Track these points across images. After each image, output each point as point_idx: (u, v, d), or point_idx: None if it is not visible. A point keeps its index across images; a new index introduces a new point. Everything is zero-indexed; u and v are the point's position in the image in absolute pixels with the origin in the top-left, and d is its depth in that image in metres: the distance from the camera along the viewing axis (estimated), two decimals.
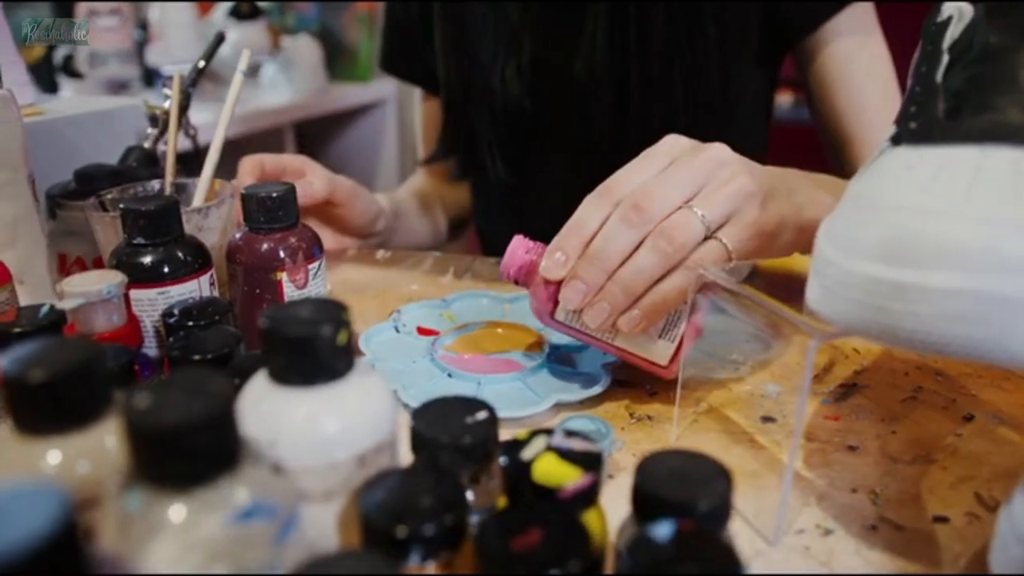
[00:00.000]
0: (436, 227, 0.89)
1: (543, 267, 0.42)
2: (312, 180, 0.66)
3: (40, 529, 0.18)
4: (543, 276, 0.42)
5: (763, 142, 0.79)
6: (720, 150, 0.42)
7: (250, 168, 0.66)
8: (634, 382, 0.48)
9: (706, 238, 0.40)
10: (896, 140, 0.33)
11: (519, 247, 0.45)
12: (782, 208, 0.44)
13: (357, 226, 0.72)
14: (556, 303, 0.43)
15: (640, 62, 0.68)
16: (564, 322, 0.44)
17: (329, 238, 0.73)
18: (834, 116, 0.70)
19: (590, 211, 0.41)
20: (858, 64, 0.67)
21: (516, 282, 0.46)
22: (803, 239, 0.46)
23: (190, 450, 0.22)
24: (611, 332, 0.43)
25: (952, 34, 0.36)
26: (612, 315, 0.41)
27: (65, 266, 0.60)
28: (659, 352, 0.43)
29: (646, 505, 0.26)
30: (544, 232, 0.65)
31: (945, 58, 0.35)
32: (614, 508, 0.30)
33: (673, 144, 0.43)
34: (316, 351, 0.27)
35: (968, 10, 0.36)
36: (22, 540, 0.18)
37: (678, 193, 0.40)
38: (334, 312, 0.28)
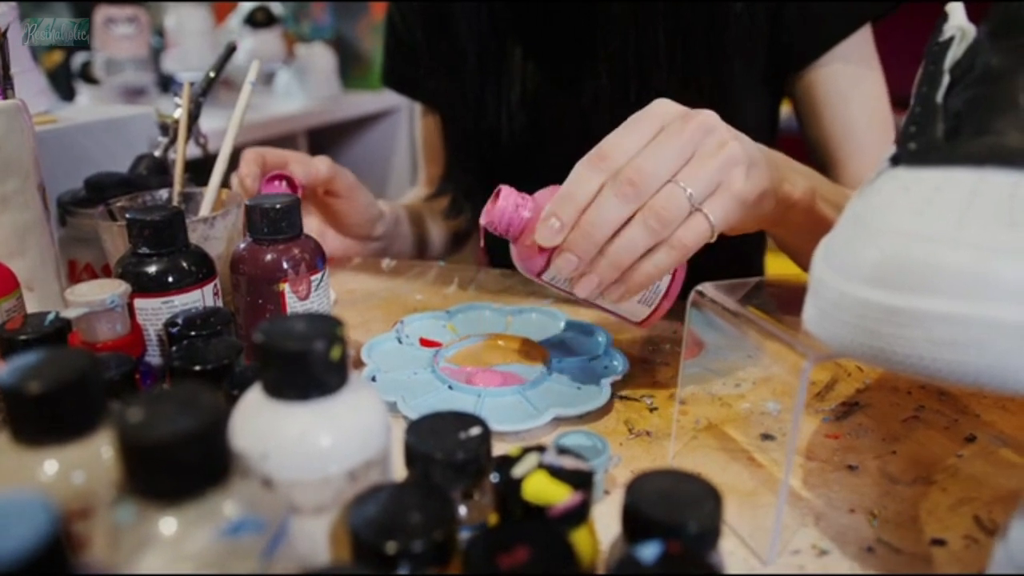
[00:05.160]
0: (437, 237, 0.89)
1: (539, 235, 0.42)
2: (315, 161, 0.66)
3: (27, 540, 0.19)
4: (537, 243, 0.43)
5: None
6: (708, 117, 0.43)
7: (252, 159, 0.65)
8: (634, 398, 0.48)
9: (691, 211, 0.42)
10: (895, 160, 0.33)
11: (510, 202, 0.44)
12: (764, 178, 0.45)
13: (357, 223, 0.72)
14: (546, 265, 0.44)
15: (640, 107, 0.68)
16: (550, 282, 0.46)
17: (330, 239, 0.73)
18: (823, 138, 0.70)
19: (584, 179, 0.42)
20: (851, 91, 0.67)
21: (500, 233, 0.45)
22: (779, 211, 0.48)
23: (181, 464, 0.22)
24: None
25: (954, 55, 0.36)
26: (600, 287, 0.43)
27: (75, 272, 0.61)
28: (635, 312, 0.47)
29: (635, 525, 0.26)
30: None
31: (946, 79, 0.35)
32: (610, 525, 0.30)
33: (663, 110, 0.44)
34: (309, 366, 0.27)
35: (971, 31, 0.36)
36: (8, 551, 0.18)
37: (668, 166, 0.41)
38: (328, 327, 0.28)
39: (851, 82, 0.67)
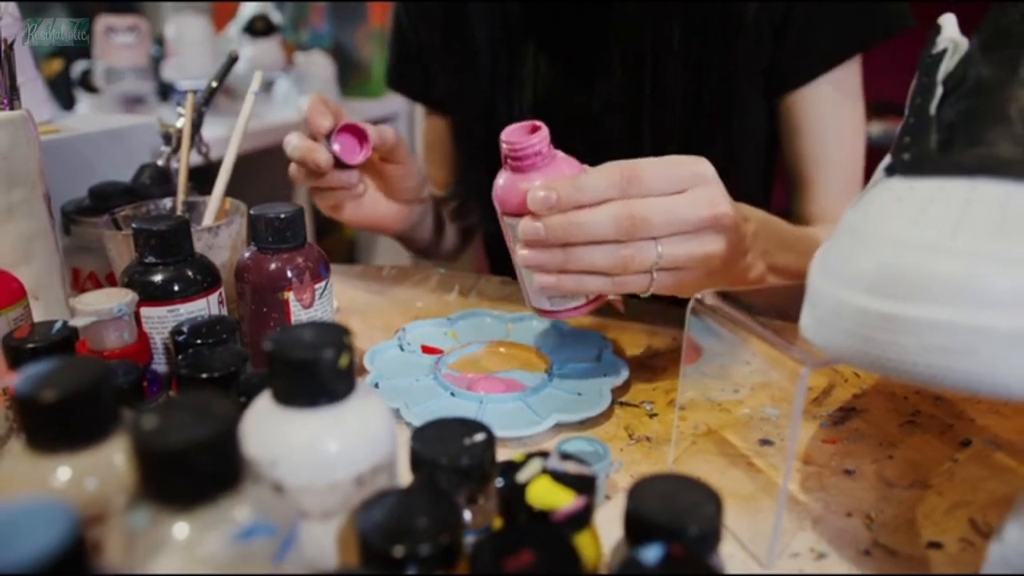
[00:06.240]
0: (448, 227, 0.89)
1: (531, 198, 0.43)
2: (383, 127, 0.65)
3: (49, 545, 0.19)
4: (526, 200, 0.44)
5: (769, 161, 0.79)
6: (729, 218, 0.45)
7: (322, 105, 0.60)
8: (634, 404, 0.49)
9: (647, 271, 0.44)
10: (890, 171, 0.34)
11: (542, 143, 0.45)
12: (720, 282, 0.47)
13: (409, 188, 0.70)
14: (515, 212, 0.45)
15: (653, 105, 0.69)
16: (505, 224, 0.47)
17: (380, 204, 0.69)
18: (798, 159, 0.72)
19: (602, 184, 0.43)
20: (832, 117, 0.69)
21: (510, 156, 0.46)
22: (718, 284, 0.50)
23: (194, 470, 0.23)
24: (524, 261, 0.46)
25: (947, 67, 0.36)
26: (538, 267, 0.45)
27: (78, 281, 0.61)
28: (537, 300, 0.48)
29: (637, 528, 0.26)
30: None
31: (939, 90, 0.36)
32: (611, 529, 0.30)
33: (707, 177, 0.45)
34: (318, 374, 0.27)
35: (963, 43, 0.37)
36: (31, 555, 0.19)
37: (668, 228, 0.43)
38: (336, 336, 0.28)
39: (833, 109, 0.69)
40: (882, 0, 0.66)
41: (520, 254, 0.45)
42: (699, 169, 0.45)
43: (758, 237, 0.52)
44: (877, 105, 0.74)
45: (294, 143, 0.60)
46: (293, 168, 0.62)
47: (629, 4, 0.67)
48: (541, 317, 0.50)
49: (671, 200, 0.43)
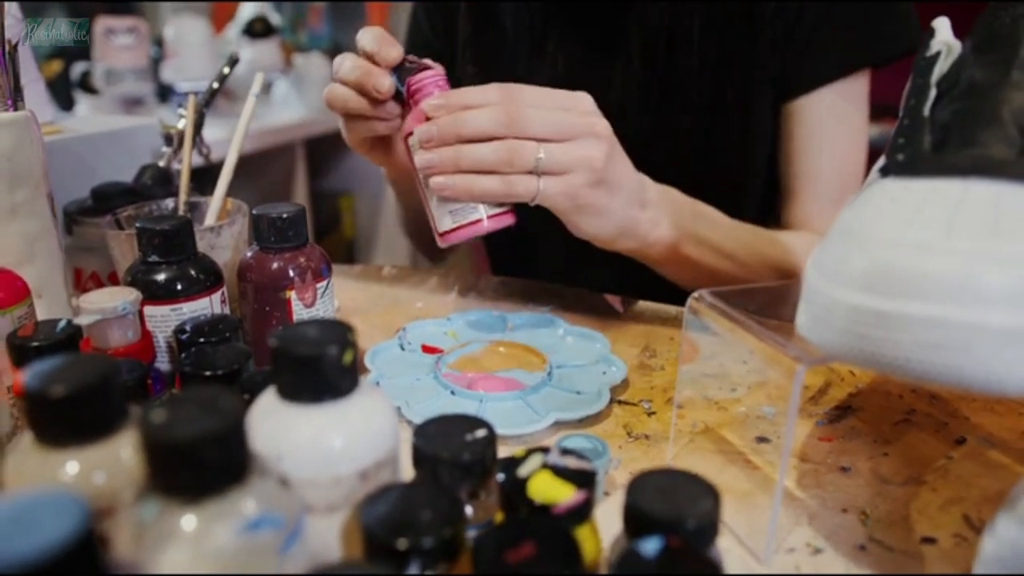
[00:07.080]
0: None
1: (426, 103, 0.49)
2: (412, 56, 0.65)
3: (61, 536, 0.20)
4: (422, 108, 0.50)
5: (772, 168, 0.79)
6: (602, 123, 0.50)
7: (385, 35, 0.54)
8: (633, 402, 0.49)
9: (532, 172, 0.48)
10: (885, 171, 0.34)
11: (438, 78, 0.51)
12: (607, 198, 0.51)
13: None
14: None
15: (671, 102, 0.69)
16: (410, 148, 0.51)
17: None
18: (788, 166, 0.71)
19: (485, 93, 0.48)
20: (829, 132, 0.69)
21: (412, 87, 0.52)
22: (629, 242, 0.55)
23: (202, 463, 0.23)
24: (426, 180, 0.50)
25: (940, 69, 0.37)
26: (433, 169, 0.49)
27: (81, 280, 0.62)
28: (441, 221, 0.51)
29: (636, 522, 0.27)
30: (552, 256, 0.66)
31: (933, 92, 0.36)
32: (610, 524, 0.31)
33: (586, 102, 0.50)
34: (322, 370, 0.28)
35: (956, 46, 0.37)
36: (44, 546, 0.19)
37: (545, 131, 0.48)
38: (340, 333, 0.29)
39: (832, 122, 0.68)
40: (895, 16, 0.66)
41: (418, 159, 0.49)
42: (577, 96, 0.50)
43: (665, 200, 0.56)
44: (873, 107, 0.74)
45: (349, 64, 0.55)
46: (336, 92, 0.56)
47: (651, 3, 0.67)
48: (447, 244, 0.52)
49: (554, 110, 0.48)
